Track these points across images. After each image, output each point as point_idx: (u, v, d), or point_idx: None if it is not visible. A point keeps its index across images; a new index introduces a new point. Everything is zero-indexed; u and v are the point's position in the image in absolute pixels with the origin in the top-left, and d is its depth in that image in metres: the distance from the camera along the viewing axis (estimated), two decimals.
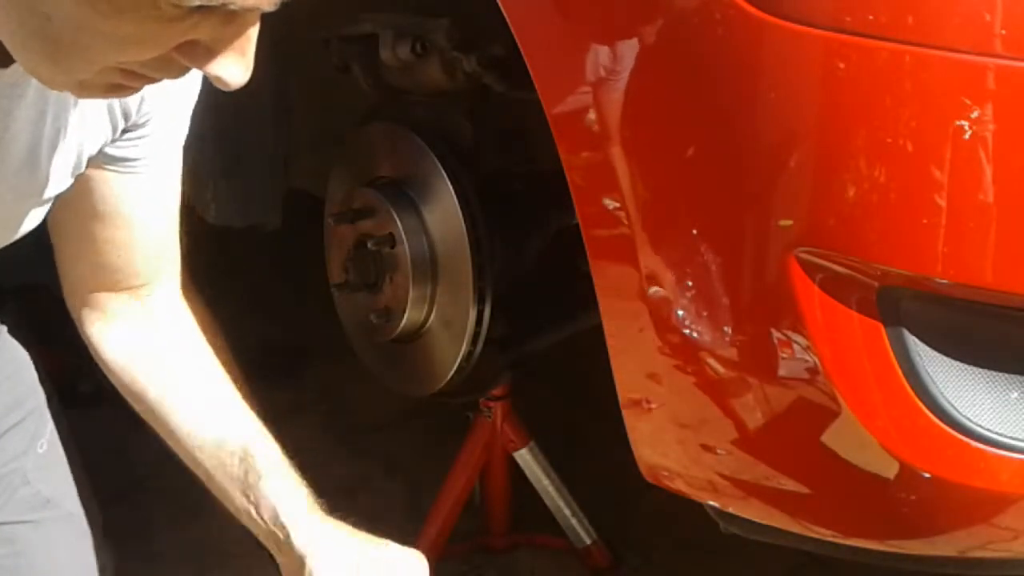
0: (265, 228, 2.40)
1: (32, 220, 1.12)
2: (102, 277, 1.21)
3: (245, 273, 2.86)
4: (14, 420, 1.30)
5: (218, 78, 0.83)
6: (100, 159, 1.12)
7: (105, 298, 1.23)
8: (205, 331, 1.27)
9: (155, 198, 1.18)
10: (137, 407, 1.25)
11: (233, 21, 0.80)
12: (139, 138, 1.12)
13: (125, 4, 0.76)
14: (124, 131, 1.11)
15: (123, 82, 0.86)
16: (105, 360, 1.25)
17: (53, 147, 1.05)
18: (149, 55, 0.82)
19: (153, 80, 0.87)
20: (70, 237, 1.20)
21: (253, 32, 0.83)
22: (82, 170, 1.11)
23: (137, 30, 0.78)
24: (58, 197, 1.12)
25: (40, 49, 0.82)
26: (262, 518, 1.16)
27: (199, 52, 0.82)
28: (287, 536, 1.15)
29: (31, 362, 1.33)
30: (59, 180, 1.08)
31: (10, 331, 1.32)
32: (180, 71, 0.84)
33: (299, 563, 1.13)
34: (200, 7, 0.77)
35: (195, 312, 1.27)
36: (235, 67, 0.83)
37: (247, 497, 1.17)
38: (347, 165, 2.08)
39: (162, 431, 1.23)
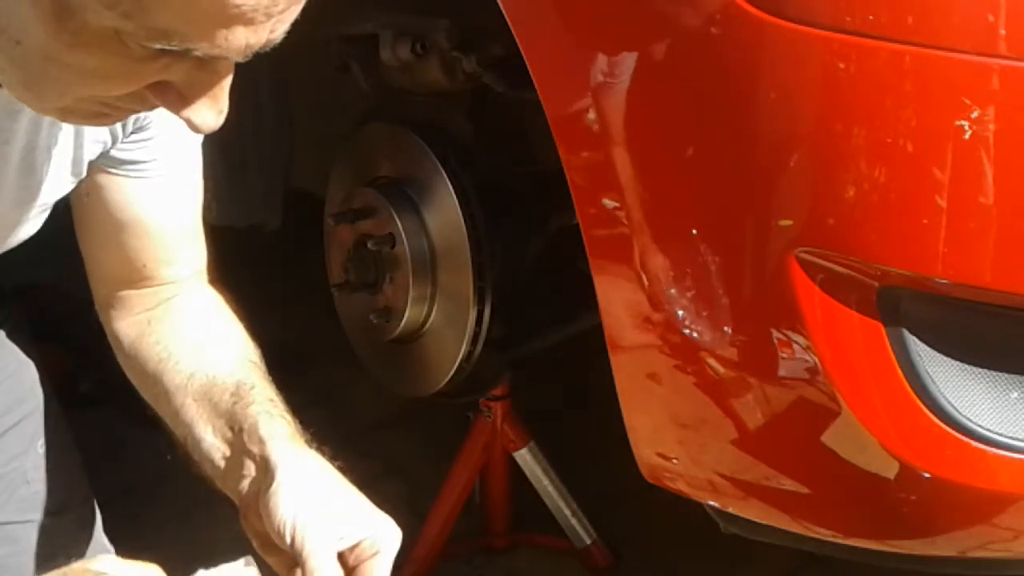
0: (265, 228, 2.40)
1: (30, 226, 1.11)
2: (125, 278, 1.21)
3: (245, 273, 2.86)
4: (14, 420, 1.30)
5: (189, 121, 0.82)
6: (107, 163, 1.12)
7: (128, 296, 1.22)
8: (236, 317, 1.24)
9: (170, 201, 1.17)
10: (143, 386, 1.20)
11: (205, 67, 0.79)
12: (144, 140, 1.11)
13: (90, 39, 0.75)
14: (129, 134, 1.10)
15: (105, 111, 0.84)
16: (124, 352, 1.22)
17: (49, 153, 1.04)
18: (119, 91, 0.80)
19: (134, 111, 0.85)
20: (92, 245, 1.20)
21: (227, 80, 0.81)
22: (83, 175, 1.10)
23: (103, 65, 0.77)
24: (61, 201, 1.11)
25: (12, 73, 0.80)
26: (242, 441, 1.09)
27: (171, 94, 0.80)
28: (263, 452, 1.07)
29: (32, 362, 1.33)
30: (56, 185, 1.08)
31: (11, 331, 1.32)
32: (155, 106, 0.83)
33: (270, 478, 1.05)
34: (165, 50, 0.76)
35: (227, 301, 1.25)
36: (207, 113, 0.81)
37: (232, 428, 1.10)
38: (347, 165, 2.08)
39: (162, 398, 1.17)
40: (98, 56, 0.76)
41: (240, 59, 0.78)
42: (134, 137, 1.11)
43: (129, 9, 0.72)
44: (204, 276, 1.25)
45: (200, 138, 1.16)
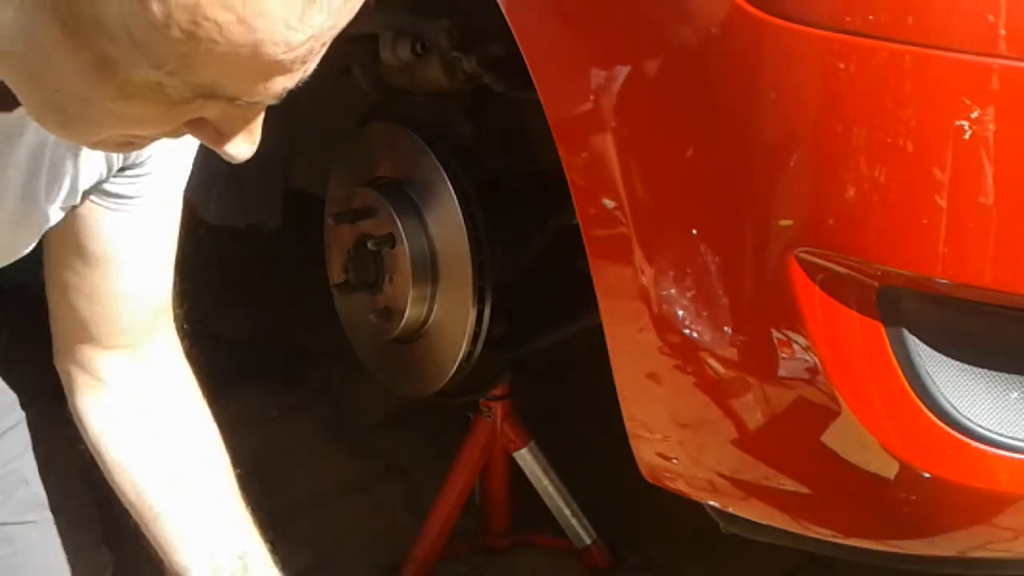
0: (265, 228, 2.40)
1: (26, 247, 1.12)
2: (92, 329, 1.20)
3: (245, 273, 2.86)
4: (13, 421, 1.30)
5: (226, 153, 0.84)
6: (95, 193, 1.12)
7: (94, 356, 1.22)
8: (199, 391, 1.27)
9: (148, 245, 1.18)
10: (132, 507, 1.24)
11: (241, 106, 0.80)
12: (137, 176, 1.12)
13: (133, 91, 0.76)
14: (122, 168, 1.10)
15: (134, 141, 0.86)
16: (95, 441, 1.24)
17: (51, 180, 1.05)
18: (156, 131, 0.82)
19: (165, 138, 0.87)
20: (61, 285, 1.19)
21: (261, 115, 0.83)
22: (77, 202, 1.10)
23: (144, 111, 0.78)
24: (48, 231, 1.11)
25: (49, 115, 0.82)
26: None
27: (207, 130, 0.82)
28: None
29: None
30: (53, 213, 1.08)
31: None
32: (185, 134, 0.85)
33: None
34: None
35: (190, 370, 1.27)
36: (243, 146, 0.84)
37: None
38: (347, 165, 2.08)
39: (157, 536, 1.23)
40: (138, 105, 0.77)
41: (276, 102, 0.79)
42: (128, 172, 1.11)
43: (175, 68, 0.73)
44: (174, 346, 1.26)
45: (181, 189, 1.17)
